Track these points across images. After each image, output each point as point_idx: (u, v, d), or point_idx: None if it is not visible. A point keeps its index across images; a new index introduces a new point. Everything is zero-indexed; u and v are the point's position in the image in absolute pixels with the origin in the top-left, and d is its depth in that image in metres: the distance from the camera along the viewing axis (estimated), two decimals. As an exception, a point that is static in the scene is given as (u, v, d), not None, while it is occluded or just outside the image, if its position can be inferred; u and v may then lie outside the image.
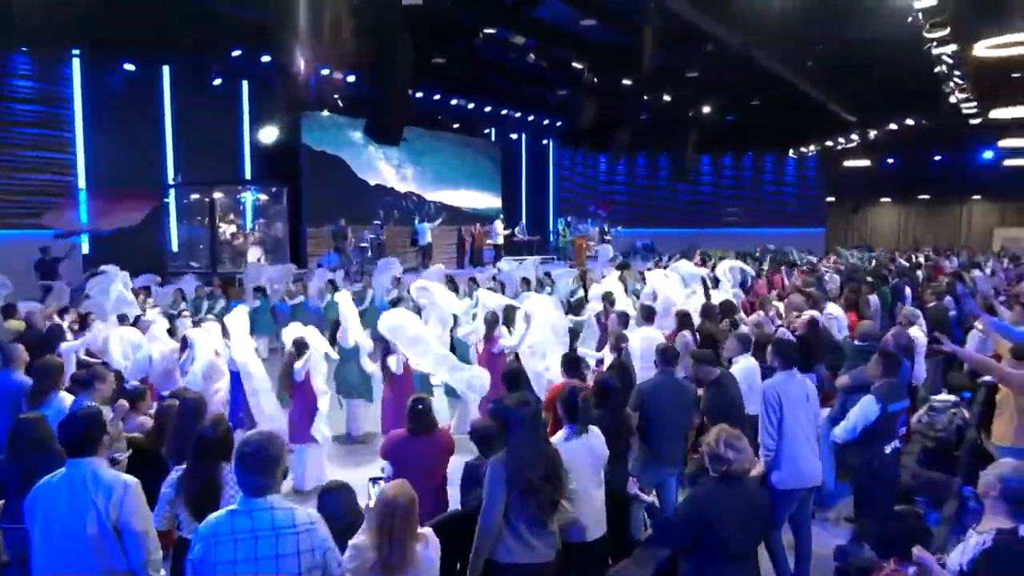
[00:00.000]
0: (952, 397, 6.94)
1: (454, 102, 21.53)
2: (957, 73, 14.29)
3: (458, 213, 22.31)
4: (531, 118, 25.16)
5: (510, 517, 3.37)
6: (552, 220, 28.17)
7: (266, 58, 15.49)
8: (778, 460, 4.31)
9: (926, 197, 33.91)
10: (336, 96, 17.97)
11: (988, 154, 29.26)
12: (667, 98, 19.74)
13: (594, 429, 3.91)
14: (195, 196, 16.95)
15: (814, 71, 17.63)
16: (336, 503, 3.33)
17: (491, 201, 24.41)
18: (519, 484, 3.30)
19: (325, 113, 17.69)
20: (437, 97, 20.74)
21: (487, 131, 24.98)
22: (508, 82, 21.13)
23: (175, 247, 16.90)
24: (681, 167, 24.91)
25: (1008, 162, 27.01)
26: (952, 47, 12.02)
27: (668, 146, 30.16)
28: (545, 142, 27.63)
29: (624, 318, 6.76)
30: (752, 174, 33.13)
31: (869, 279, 13.15)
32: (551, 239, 26.78)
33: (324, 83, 17.30)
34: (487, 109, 23.03)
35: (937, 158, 31.12)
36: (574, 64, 15.99)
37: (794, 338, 7.19)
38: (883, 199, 34.80)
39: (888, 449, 4.64)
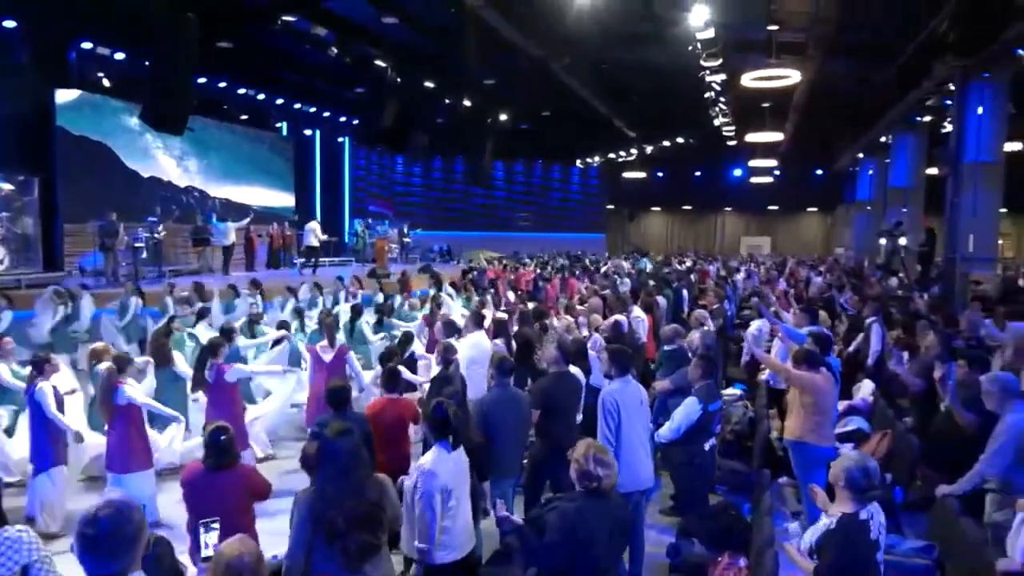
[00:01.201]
0: (737, 391, 7.75)
1: (243, 91, 19.99)
2: (723, 99, 16.14)
3: (246, 211, 20.68)
4: (327, 114, 24.20)
5: (315, 560, 2.98)
6: (347, 221, 27.30)
7: (10, 23, 13.17)
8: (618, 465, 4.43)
9: (688, 208, 38.09)
10: (101, 74, 15.79)
11: (738, 172, 33.63)
12: (467, 103, 19.94)
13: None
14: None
15: (602, 88, 18.89)
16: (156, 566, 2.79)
17: (284, 199, 22.99)
18: (323, 526, 2.94)
19: (87, 93, 15.41)
20: (223, 84, 19.10)
21: (279, 125, 23.51)
22: (303, 75, 20.09)
23: None
24: (478, 172, 25.39)
25: (754, 179, 31.21)
26: (722, 76, 13.53)
27: (465, 150, 30.72)
28: (341, 140, 26.68)
29: (451, 326, 6.61)
30: (542, 181, 34.86)
31: (652, 282, 14.39)
32: (347, 240, 25.95)
33: (87, 58, 15.12)
34: (279, 102, 21.72)
35: (698, 173, 35.06)
36: (377, 62, 15.53)
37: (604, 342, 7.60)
38: (654, 208, 38.46)
39: (707, 446, 4.99)
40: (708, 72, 13.25)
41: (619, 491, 4.39)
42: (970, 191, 13.75)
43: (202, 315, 8.70)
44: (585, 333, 8.09)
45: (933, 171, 19.76)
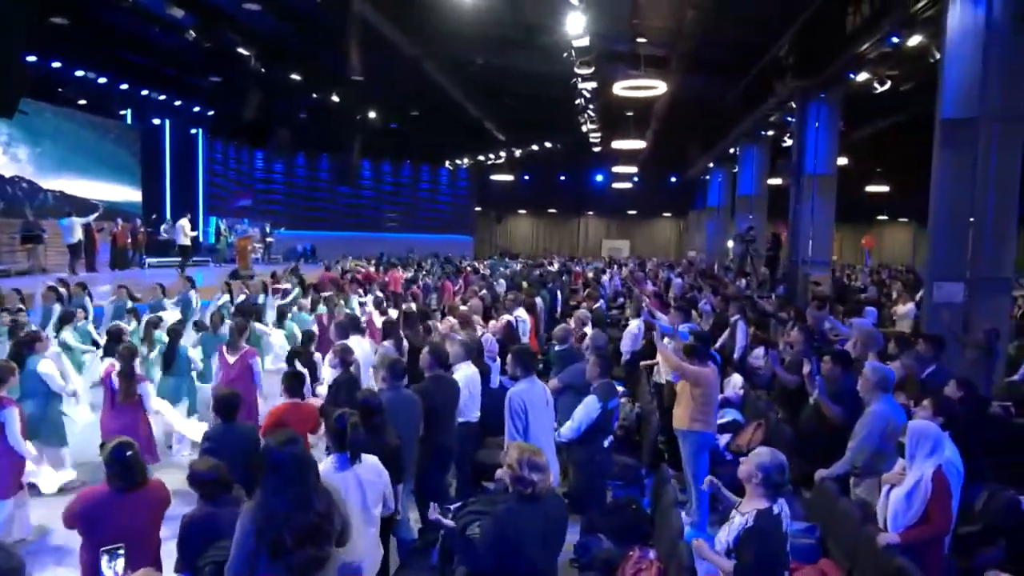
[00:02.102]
0: (619, 388, 8.00)
1: (81, 74, 18.12)
2: (592, 107, 16.71)
3: (85, 205, 18.77)
4: (178, 103, 22.48)
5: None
6: (203, 218, 25.55)
7: None
8: None
9: (553, 211, 39.16)
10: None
11: (600, 177, 35.04)
12: (335, 99, 19.28)
13: (368, 458, 3.54)
14: None
15: (475, 90, 18.96)
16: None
17: (129, 194, 21.11)
18: (268, 541, 2.72)
19: None
20: (57, 65, 17.23)
21: (123, 113, 21.55)
22: (151, 59, 18.54)
23: None
24: (346, 170, 24.68)
25: (615, 185, 32.63)
26: (593, 84, 14.00)
27: (330, 148, 29.77)
28: (194, 131, 24.89)
29: (346, 328, 6.32)
30: (410, 182, 34.47)
31: (525, 283, 14.63)
32: (202, 239, 24.29)
33: None
34: (124, 87, 19.90)
35: (562, 177, 36.10)
36: (239, 50, 14.61)
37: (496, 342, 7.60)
38: (520, 211, 39.18)
39: (606, 443, 5.11)
40: (580, 79, 13.65)
41: None
42: (809, 200, 15.16)
43: (66, 319, 7.85)
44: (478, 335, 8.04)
45: (774, 181, 21.62)
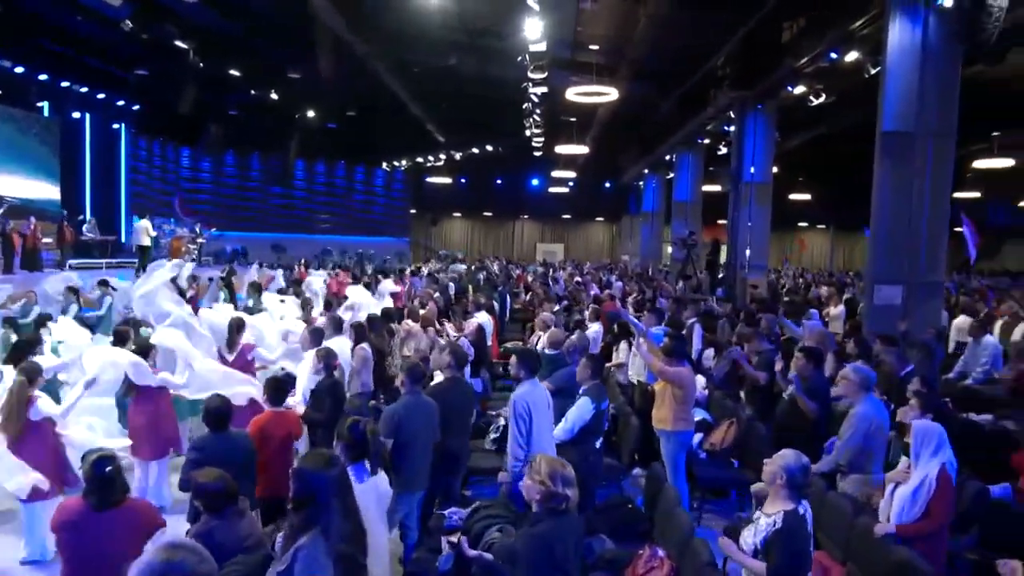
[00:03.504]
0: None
1: (-6, 62, 16.97)
2: (538, 111, 16.86)
3: (-1, 202, 17.54)
4: (101, 96, 21.31)
5: None
6: (126, 218, 24.31)
7: None
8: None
9: (489, 214, 39.22)
10: None
11: (536, 181, 35.35)
12: (274, 96, 18.74)
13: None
14: None
15: (420, 92, 18.80)
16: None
17: (46, 191, 19.87)
18: (342, 565, 2.68)
19: None
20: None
21: (40, 104, 20.26)
22: (74, 49, 17.54)
23: None
24: (281, 170, 23.99)
25: (552, 189, 32.98)
26: (543, 89, 14.14)
27: (262, 146, 28.89)
28: (116, 126, 23.64)
29: (319, 334, 6.13)
30: (344, 182, 33.82)
31: (472, 287, 14.65)
32: (125, 240, 23.11)
33: None
34: (42, 77, 18.72)
35: (499, 181, 36.21)
36: (178, 43, 14.00)
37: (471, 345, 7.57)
38: (455, 213, 39.04)
39: (597, 444, 5.17)
40: (531, 84, 13.76)
41: None
42: (747, 207, 15.78)
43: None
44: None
45: (708, 187, 22.37)
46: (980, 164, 20.56)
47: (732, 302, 14.32)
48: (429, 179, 33.82)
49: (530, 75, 12.82)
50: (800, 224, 36.44)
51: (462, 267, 21.46)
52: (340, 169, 33.20)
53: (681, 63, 16.37)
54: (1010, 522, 4.33)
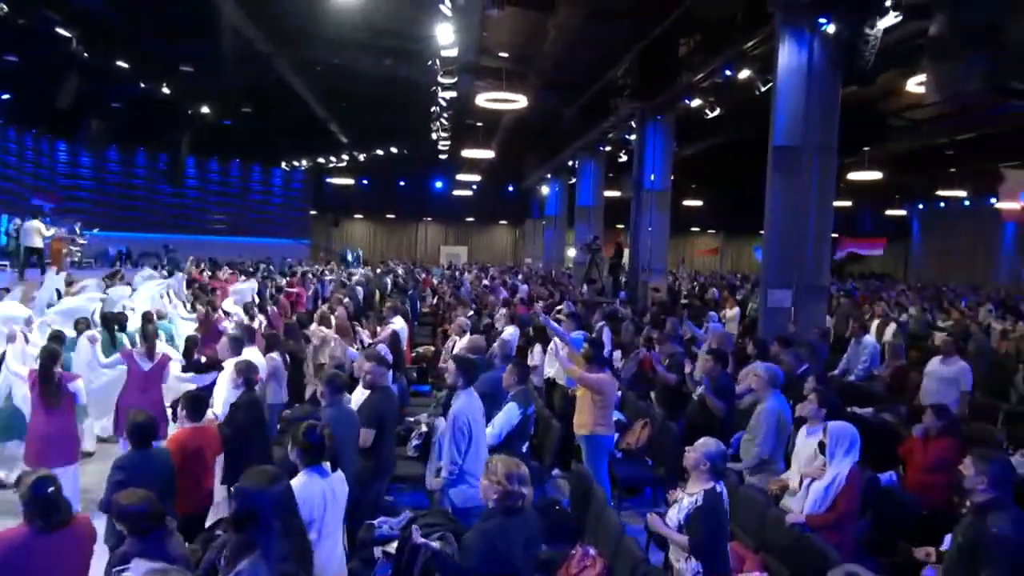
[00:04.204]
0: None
1: None
2: (445, 115, 16.88)
3: None
4: (-36, 83, 19.53)
5: None
6: (-6, 216, 22.31)
7: None
8: (463, 477, 4.45)
9: (392, 216, 38.76)
10: None
11: (440, 184, 35.28)
12: (166, 90, 17.78)
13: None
14: None
15: (323, 91, 18.38)
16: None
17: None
18: None
19: None
20: None
21: None
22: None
23: None
24: (172, 168, 22.76)
25: (456, 192, 33.02)
26: (453, 93, 14.18)
27: (147, 142, 27.29)
28: (-18, 117, 21.72)
29: (239, 342, 5.89)
30: (240, 182, 32.49)
31: (380, 291, 14.51)
32: (-4, 241, 21.24)
33: None
34: None
35: (402, 183, 35.88)
36: (60, 31, 13.03)
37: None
38: (357, 215, 38.33)
39: (524, 448, 5.28)
40: (441, 88, 13.78)
41: (468, 504, 4.44)
42: (648, 213, 16.45)
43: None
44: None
45: (609, 193, 23.11)
46: (853, 176, 22.33)
47: (634, 304, 14.89)
48: (330, 179, 33.04)
49: (440, 79, 12.83)
50: (692, 229, 38.22)
51: (367, 271, 21.12)
52: (235, 168, 31.86)
53: (584, 73, 16.88)
54: (898, 507, 4.78)
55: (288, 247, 30.99)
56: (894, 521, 4.67)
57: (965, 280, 26.53)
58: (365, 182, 34.28)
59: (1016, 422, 7.45)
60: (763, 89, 12.32)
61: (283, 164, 31.78)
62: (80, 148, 26.06)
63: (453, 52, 11.40)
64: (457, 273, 24.48)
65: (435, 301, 16.47)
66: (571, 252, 26.23)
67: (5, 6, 11.30)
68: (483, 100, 14.23)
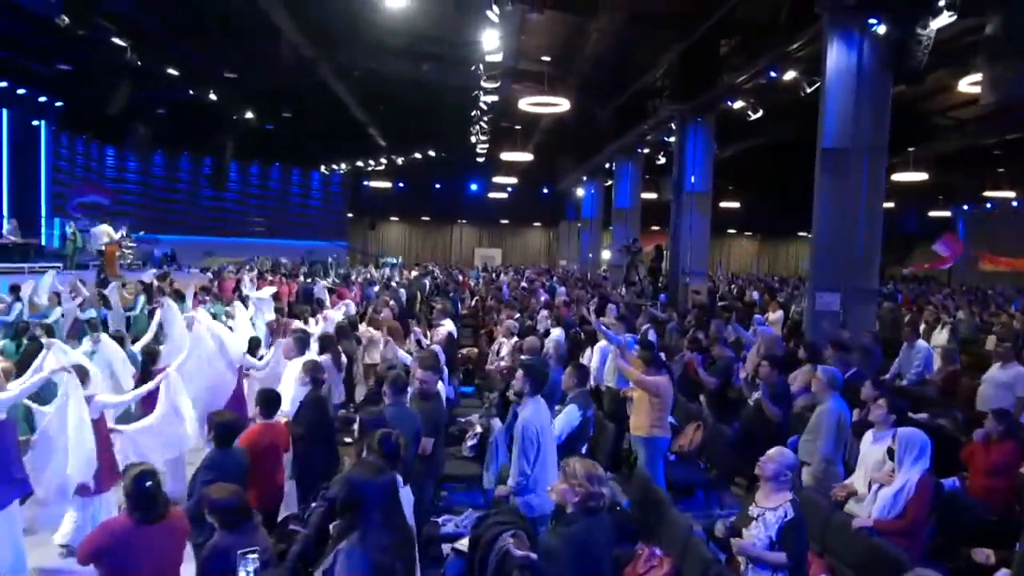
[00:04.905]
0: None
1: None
2: (486, 119, 17.01)
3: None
4: (21, 91, 20.21)
5: None
6: (47, 219, 23.10)
7: None
8: (535, 486, 4.39)
9: (427, 218, 39.07)
10: None
11: (475, 186, 35.49)
12: (213, 97, 18.21)
13: None
14: None
15: (365, 95, 18.65)
16: None
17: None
18: (379, 574, 2.76)
19: None
20: None
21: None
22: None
23: None
24: (216, 171, 23.28)
25: (491, 194, 33.17)
26: (495, 97, 14.29)
27: (192, 146, 27.95)
28: (37, 123, 22.45)
29: (303, 342, 6.06)
30: (279, 185, 33.08)
31: (420, 293, 14.68)
32: (47, 242, 21.98)
33: None
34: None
35: (438, 185, 36.14)
36: (115, 40, 13.46)
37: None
38: (393, 218, 38.71)
39: (583, 449, 5.35)
40: (482, 92, 13.90)
41: (541, 512, 4.44)
42: (688, 215, 16.36)
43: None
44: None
45: (646, 195, 23.03)
46: (897, 177, 21.91)
47: (675, 308, 14.84)
48: (367, 183, 33.46)
49: (482, 84, 12.96)
50: (729, 231, 37.85)
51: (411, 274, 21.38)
52: (275, 171, 32.47)
53: (622, 75, 16.86)
54: (961, 512, 4.75)
55: (325, 249, 31.47)
56: (958, 527, 4.63)
57: (1010, 283, 25.86)
58: (401, 185, 34.61)
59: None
60: (809, 90, 12.21)
61: (322, 168, 32.24)
62: (128, 153, 26.78)
63: (498, 57, 11.50)
64: (494, 275, 24.62)
65: (474, 303, 16.61)
66: (606, 254, 26.16)
67: (66, 18, 11.71)
68: (525, 104, 14.32)
